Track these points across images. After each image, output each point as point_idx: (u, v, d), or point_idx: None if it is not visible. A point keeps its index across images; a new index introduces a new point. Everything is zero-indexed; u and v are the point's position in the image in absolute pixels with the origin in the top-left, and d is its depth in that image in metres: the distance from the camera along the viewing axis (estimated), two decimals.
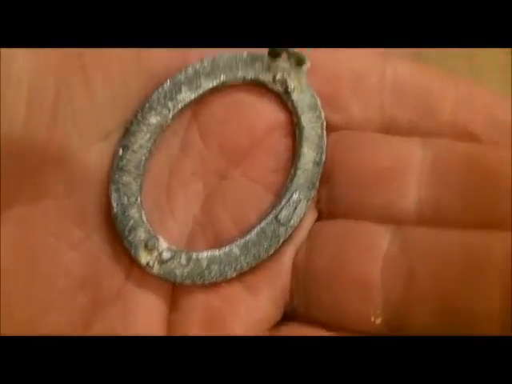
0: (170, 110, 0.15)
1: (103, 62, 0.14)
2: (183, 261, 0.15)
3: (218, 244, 0.15)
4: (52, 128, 0.13)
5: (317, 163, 0.15)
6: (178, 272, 0.15)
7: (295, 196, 0.15)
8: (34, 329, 0.13)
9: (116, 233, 0.15)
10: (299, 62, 0.15)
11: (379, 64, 0.16)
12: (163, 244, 0.15)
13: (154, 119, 0.15)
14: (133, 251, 0.15)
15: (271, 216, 0.15)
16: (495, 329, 0.12)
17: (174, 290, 0.15)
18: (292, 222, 0.15)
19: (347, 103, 0.16)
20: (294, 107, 0.15)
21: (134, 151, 0.15)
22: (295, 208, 0.15)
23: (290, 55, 0.15)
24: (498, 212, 0.13)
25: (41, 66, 0.13)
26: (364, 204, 0.15)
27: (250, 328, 0.14)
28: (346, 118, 0.16)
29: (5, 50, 0.12)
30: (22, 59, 0.12)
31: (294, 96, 0.15)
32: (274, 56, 0.15)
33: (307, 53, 0.15)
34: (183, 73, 0.15)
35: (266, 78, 0.15)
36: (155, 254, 0.15)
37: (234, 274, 0.15)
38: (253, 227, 0.15)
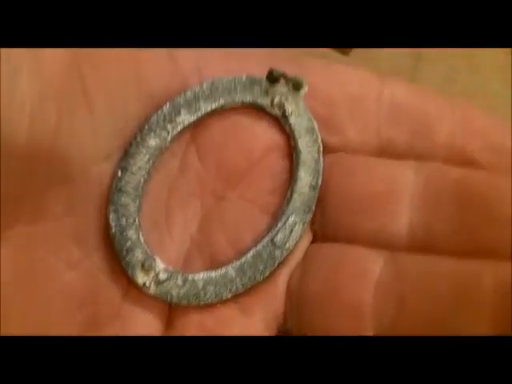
0: (169, 133, 0.15)
1: (104, 84, 0.14)
2: (179, 282, 0.15)
3: (215, 264, 0.15)
4: (53, 149, 0.13)
5: (313, 187, 0.16)
6: (174, 293, 0.15)
7: (291, 219, 0.15)
8: None
9: (114, 253, 0.15)
10: (297, 86, 0.15)
11: (376, 87, 0.16)
12: (160, 265, 0.15)
13: (153, 141, 0.15)
14: (130, 271, 0.15)
15: (267, 239, 0.15)
16: None
17: (170, 310, 0.15)
18: (287, 245, 0.15)
19: (344, 126, 0.16)
20: (292, 131, 0.16)
21: (132, 173, 0.15)
22: (291, 231, 0.15)
23: (287, 80, 0.15)
24: (489, 239, 0.13)
25: (43, 89, 0.13)
26: (357, 227, 0.15)
27: None
28: (342, 140, 0.16)
29: (8, 73, 0.12)
30: (24, 83, 0.12)
31: (292, 120, 0.16)
32: (272, 81, 0.16)
33: (304, 77, 0.16)
34: (182, 96, 0.16)
35: (264, 101, 0.16)
36: (152, 274, 0.15)
37: (230, 296, 0.15)
38: (249, 249, 0.15)
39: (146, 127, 0.15)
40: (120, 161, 0.15)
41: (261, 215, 0.16)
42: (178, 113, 0.15)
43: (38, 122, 0.13)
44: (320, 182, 0.16)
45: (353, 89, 0.16)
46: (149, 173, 0.15)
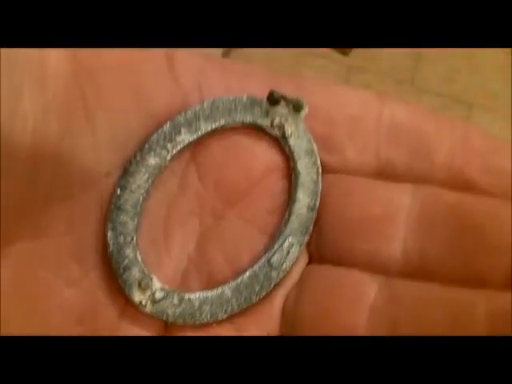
0: (168, 152, 0.15)
1: (105, 102, 0.14)
2: (175, 301, 0.15)
3: (211, 283, 0.15)
4: (55, 166, 0.13)
5: (311, 208, 0.16)
6: (170, 312, 0.15)
7: (288, 241, 0.15)
8: None
9: (112, 271, 0.15)
10: (297, 108, 0.15)
11: (376, 107, 0.16)
12: (157, 284, 0.15)
13: (152, 160, 0.15)
14: (127, 290, 0.15)
15: (264, 259, 0.15)
16: None
17: (166, 329, 0.15)
18: (284, 266, 0.15)
19: (343, 146, 0.16)
20: (291, 152, 0.16)
21: (131, 191, 0.15)
22: (288, 253, 0.15)
23: (287, 102, 0.15)
24: (483, 266, 0.13)
25: (45, 106, 0.13)
26: (353, 250, 0.15)
27: None
28: (341, 160, 0.16)
29: (10, 92, 0.12)
30: (27, 100, 0.12)
31: (291, 141, 0.16)
32: (272, 102, 0.16)
33: (304, 97, 0.16)
34: (183, 115, 0.16)
35: (264, 122, 0.16)
36: (148, 293, 0.15)
37: (225, 316, 0.15)
38: (246, 268, 0.15)
39: (146, 146, 0.15)
40: (119, 179, 0.15)
41: (259, 235, 0.16)
42: (179, 132, 0.15)
43: (40, 138, 0.13)
44: (318, 203, 0.16)
45: (352, 109, 0.16)
46: (148, 191, 0.15)
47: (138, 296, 0.15)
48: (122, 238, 0.15)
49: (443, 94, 1.14)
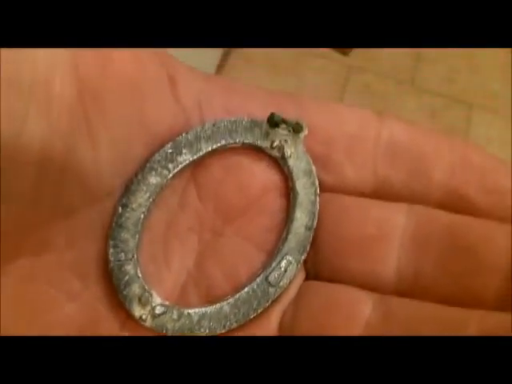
0: (169, 171, 0.16)
1: (108, 124, 0.14)
2: (175, 316, 0.15)
3: (210, 298, 0.16)
4: (59, 186, 0.14)
5: (308, 228, 0.16)
6: (169, 326, 0.15)
7: (286, 259, 0.16)
8: None
9: (113, 286, 0.15)
10: (297, 129, 0.16)
11: (375, 126, 0.16)
12: (157, 299, 0.15)
13: (153, 179, 0.16)
14: (127, 305, 0.15)
15: (262, 277, 0.16)
16: None
17: None
18: (281, 283, 0.16)
19: (341, 165, 0.16)
20: (290, 172, 0.16)
21: (133, 209, 0.15)
22: (285, 270, 0.16)
23: (287, 124, 0.16)
24: (476, 287, 0.14)
25: (50, 128, 0.13)
26: (348, 269, 0.15)
27: None
28: (339, 179, 0.16)
29: (16, 114, 0.12)
30: (32, 122, 0.13)
31: (290, 162, 0.16)
32: (272, 125, 0.16)
33: (304, 116, 0.16)
34: (184, 136, 0.16)
35: (263, 143, 0.16)
36: (148, 308, 0.15)
37: (223, 331, 0.15)
38: (244, 284, 0.16)
39: (148, 165, 0.16)
40: (121, 197, 0.15)
41: (257, 252, 0.16)
42: (180, 153, 0.16)
43: (45, 157, 0.13)
44: (315, 223, 0.16)
45: (351, 129, 0.16)
46: (149, 209, 0.16)
47: (138, 311, 0.15)
48: (122, 255, 0.15)
49: (443, 94, 1.14)
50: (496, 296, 0.13)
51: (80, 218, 0.15)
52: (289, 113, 0.16)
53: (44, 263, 0.14)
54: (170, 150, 0.16)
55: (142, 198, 0.15)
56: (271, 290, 0.15)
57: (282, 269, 0.16)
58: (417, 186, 0.16)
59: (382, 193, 0.16)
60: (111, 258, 0.15)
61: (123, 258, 0.15)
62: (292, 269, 0.16)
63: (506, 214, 0.15)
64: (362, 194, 0.16)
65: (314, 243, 0.16)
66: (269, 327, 0.15)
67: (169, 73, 0.16)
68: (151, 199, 0.16)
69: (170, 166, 0.16)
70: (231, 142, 0.16)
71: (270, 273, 0.16)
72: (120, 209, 0.15)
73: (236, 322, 0.15)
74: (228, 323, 0.15)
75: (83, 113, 0.14)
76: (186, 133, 0.16)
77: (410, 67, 1.17)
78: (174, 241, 0.16)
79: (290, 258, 0.16)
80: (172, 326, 0.15)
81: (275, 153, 0.16)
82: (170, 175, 0.16)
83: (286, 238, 0.16)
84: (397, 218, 0.15)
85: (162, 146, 0.16)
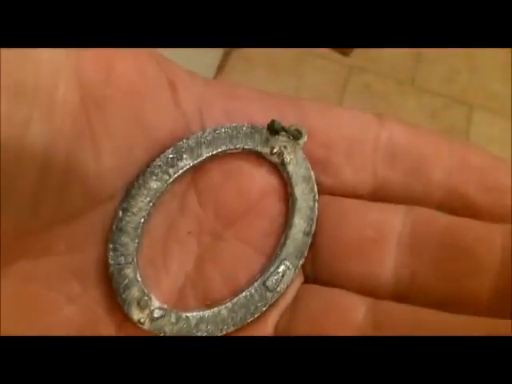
0: (170, 176, 0.16)
1: (111, 130, 0.15)
2: (173, 319, 0.15)
3: (208, 301, 0.16)
4: (60, 190, 0.14)
5: (306, 233, 0.16)
6: (167, 329, 0.15)
7: (284, 264, 0.16)
8: None
9: (112, 289, 0.15)
10: (296, 136, 0.16)
11: (374, 129, 0.16)
12: (155, 303, 0.15)
13: (154, 184, 0.16)
14: (126, 308, 0.15)
15: (260, 281, 0.16)
16: None
17: None
18: (279, 288, 0.16)
19: (340, 168, 0.16)
20: (289, 178, 0.16)
21: (133, 213, 0.16)
22: (283, 276, 0.16)
23: (287, 131, 0.16)
24: (472, 290, 0.14)
25: (53, 133, 0.13)
26: (346, 272, 0.15)
27: None
28: (338, 182, 0.16)
29: (20, 119, 0.12)
30: (36, 127, 0.13)
31: (290, 168, 0.16)
32: (273, 132, 0.16)
33: (304, 120, 0.16)
34: (185, 142, 0.16)
35: (263, 149, 0.16)
36: (147, 311, 0.15)
37: (221, 334, 0.15)
38: (242, 288, 0.16)
39: (149, 170, 0.16)
40: (121, 201, 0.16)
41: (255, 256, 0.16)
42: (180, 158, 0.16)
43: (47, 162, 0.13)
44: (314, 229, 0.16)
45: (351, 131, 0.16)
46: (149, 214, 0.16)
47: (136, 314, 0.15)
48: (122, 259, 0.15)
49: (443, 94, 1.14)
50: (491, 297, 0.13)
51: (81, 221, 0.15)
52: (289, 116, 0.16)
53: (44, 266, 0.14)
54: (170, 155, 0.16)
55: (142, 202, 0.16)
56: (269, 294, 0.16)
57: (280, 274, 0.16)
58: (416, 187, 0.16)
59: (381, 195, 0.16)
60: (111, 262, 0.15)
61: (123, 261, 0.15)
62: (290, 274, 0.16)
63: (506, 212, 0.15)
64: (361, 196, 0.16)
65: (313, 247, 0.16)
66: (265, 331, 0.16)
67: (168, 77, 0.16)
68: (151, 203, 0.16)
69: (171, 170, 0.16)
70: (231, 147, 0.16)
71: (268, 278, 0.16)
72: (120, 213, 0.15)
73: (233, 325, 0.15)
74: (225, 327, 0.15)
75: (86, 118, 0.14)
76: (187, 138, 0.16)
77: (410, 67, 1.17)
78: (173, 244, 0.16)
79: (288, 264, 0.16)
80: (170, 329, 0.15)
81: (275, 159, 0.16)
82: (171, 180, 0.16)
83: (285, 243, 0.16)
84: (394, 221, 0.15)
85: (163, 150, 0.16)
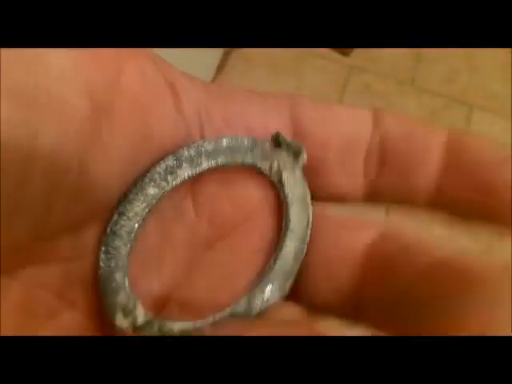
0: (168, 183, 0.16)
1: (117, 138, 0.14)
2: (155, 329, 0.15)
3: (192, 312, 0.16)
4: (69, 198, 0.14)
5: (297, 256, 0.16)
6: None
7: (270, 285, 0.15)
8: None
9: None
10: (296, 154, 0.16)
11: (369, 129, 0.16)
12: (140, 311, 0.15)
13: (152, 190, 0.16)
14: (110, 313, 0.15)
15: (244, 300, 0.15)
16: None
17: None
18: (262, 309, 0.15)
19: (333, 171, 0.16)
20: (285, 197, 0.16)
21: (128, 218, 0.15)
22: (268, 296, 0.15)
23: (289, 147, 0.16)
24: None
25: (63, 140, 0.13)
26: (324, 293, 0.15)
27: None
28: (330, 184, 0.16)
29: (29, 128, 0.12)
30: (46, 135, 0.13)
31: (287, 188, 0.16)
32: (275, 144, 0.16)
33: (299, 122, 0.16)
34: (186, 150, 0.16)
35: (263, 165, 0.16)
36: (130, 319, 0.15)
37: None
38: (227, 303, 0.15)
39: (148, 176, 0.16)
40: (118, 205, 0.15)
41: (244, 269, 0.16)
42: (180, 166, 0.16)
43: (57, 171, 0.13)
44: (305, 251, 0.16)
45: (345, 132, 0.16)
46: (144, 219, 0.16)
47: (120, 320, 0.15)
48: (113, 262, 0.15)
49: (443, 94, 1.14)
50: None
51: (86, 231, 0.15)
52: (286, 119, 0.16)
53: (48, 273, 0.15)
54: (170, 163, 0.16)
55: (138, 208, 0.15)
56: (252, 313, 0.15)
57: (265, 294, 0.15)
58: (406, 189, 0.16)
59: (373, 197, 0.16)
60: (101, 264, 0.15)
61: (113, 264, 0.15)
62: (275, 295, 0.15)
63: (502, 209, 0.15)
64: (354, 199, 0.16)
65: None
66: None
67: (169, 81, 0.16)
68: (148, 209, 0.16)
69: (170, 178, 0.16)
70: (231, 160, 0.16)
71: (253, 298, 0.15)
72: (116, 216, 0.15)
73: None
74: None
75: (95, 126, 0.14)
76: (188, 147, 0.16)
77: (410, 67, 1.17)
78: (165, 251, 0.16)
79: (275, 285, 0.15)
80: None
81: (273, 176, 0.16)
82: (169, 187, 0.16)
83: (274, 264, 0.16)
84: (368, 233, 0.15)
85: (164, 156, 0.16)
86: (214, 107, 0.16)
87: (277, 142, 0.16)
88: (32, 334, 0.14)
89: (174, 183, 0.16)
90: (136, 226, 0.15)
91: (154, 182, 0.16)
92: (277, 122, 0.16)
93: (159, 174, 0.16)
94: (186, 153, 0.16)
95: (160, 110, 0.15)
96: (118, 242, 0.15)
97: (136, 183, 0.16)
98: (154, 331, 0.15)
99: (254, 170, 0.16)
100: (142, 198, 0.16)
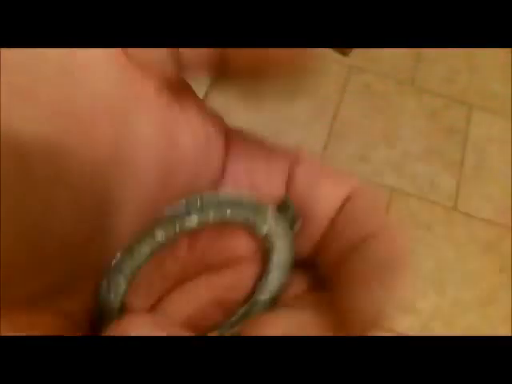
0: (175, 229, 0.16)
1: (136, 192, 0.15)
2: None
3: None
4: (87, 248, 0.14)
5: (266, 308, 0.16)
6: None
7: (237, 328, 0.16)
8: None
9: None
10: (291, 224, 0.16)
11: (338, 202, 0.16)
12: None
13: (159, 233, 0.16)
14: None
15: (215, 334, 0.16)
16: None
17: None
18: None
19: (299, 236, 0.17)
20: (271, 262, 0.17)
21: (133, 257, 0.16)
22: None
23: (289, 212, 0.17)
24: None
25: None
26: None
27: None
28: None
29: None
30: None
31: (274, 256, 0.17)
32: (280, 209, 0.17)
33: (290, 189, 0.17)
34: (197, 198, 0.17)
35: (261, 229, 0.17)
36: None
37: None
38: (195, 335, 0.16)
39: (158, 219, 0.16)
40: (127, 243, 0.16)
41: (218, 308, 0.17)
42: (189, 214, 0.16)
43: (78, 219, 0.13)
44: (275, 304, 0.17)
45: (321, 203, 0.16)
46: (147, 259, 0.16)
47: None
48: (112, 296, 0.16)
49: (443, 94, 1.14)
50: None
51: (94, 276, 0.15)
52: (283, 177, 0.16)
53: (43, 318, 0.15)
54: (181, 209, 0.16)
55: (144, 249, 0.16)
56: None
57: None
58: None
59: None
60: (100, 298, 0.16)
61: (112, 298, 0.16)
62: None
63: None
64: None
65: None
66: None
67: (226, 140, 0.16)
68: (152, 251, 0.16)
69: (177, 223, 0.16)
70: (236, 216, 0.17)
71: (223, 333, 0.16)
72: (122, 254, 0.16)
73: None
74: None
75: (117, 178, 0.14)
76: (201, 195, 0.16)
77: (410, 67, 1.17)
78: (155, 279, 0.17)
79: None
80: None
81: (266, 239, 0.17)
82: (176, 231, 0.16)
83: (245, 312, 0.16)
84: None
85: (176, 203, 0.16)
86: (234, 161, 0.17)
87: (283, 204, 0.17)
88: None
89: (180, 229, 0.16)
90: (139, 265, 0.16)
91: (163, 225, 0.16)
92: (276, 182, 0.17)
93: (168, 217, 0.16)
94: (197, 201, 0.16)
95: (210, 166, 0.16)
96: (119, 279, 0.16)
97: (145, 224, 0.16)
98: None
99: (252, 227, 0.17)
100: (148, 240, 0.16)
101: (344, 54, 1.15)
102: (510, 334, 0.87)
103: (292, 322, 0.14)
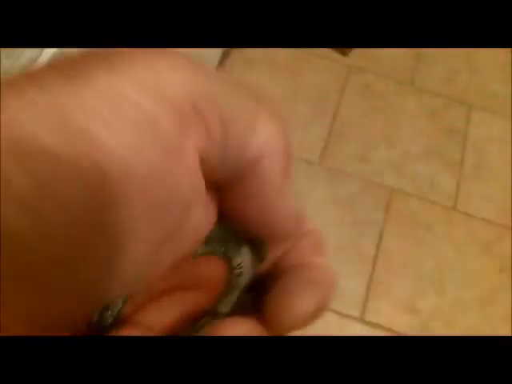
0: None
1: (152, 225, 0.15)
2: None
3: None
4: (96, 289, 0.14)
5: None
6: None
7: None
8: None
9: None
10: (261, 256, 0.17)
11: None
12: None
13: None
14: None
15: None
16: None
17: None
18: None
19: None
20: (236, 284, 0.18)
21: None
22: None
23: (262, 250, 0.17)
24: None
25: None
26: None
27: None
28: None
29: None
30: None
31: (240, 279, 0.17)
32: (256, 245, 0.17)
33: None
34: None
35: (235, 258, 0.17)
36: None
37: None
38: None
39: None
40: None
41: (186, 320, 0.17)
42: None
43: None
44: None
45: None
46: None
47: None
48: (110, 321, 0.16)
49: (443, 94, 1.14)
50: None
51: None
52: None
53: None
54: None
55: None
56: None
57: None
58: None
59: None
60: (98, 317, 0.16)
61: (109, 322, 0.16)
62: None
63: None
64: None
65: None
66: None
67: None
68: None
69: None
70: (217, 249, 0.17)
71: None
72: (122, 302, 0.16)
73: None
74: None
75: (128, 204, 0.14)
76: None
77: (410, 67, 1.17)
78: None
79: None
80: None
81: (236, 271, 0.18)
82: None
83: (207, 321, 0.17)
84: None
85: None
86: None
87: (259, 243, 0.17)
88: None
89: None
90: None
91: None
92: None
93: None
94: None
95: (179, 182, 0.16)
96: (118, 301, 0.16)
97: None
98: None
99: (228, 259, 0.18)
100: None
101: (344, 54, 1.15)
102: (509, 334, 0.87)
103: (246, 325, 0.15)
